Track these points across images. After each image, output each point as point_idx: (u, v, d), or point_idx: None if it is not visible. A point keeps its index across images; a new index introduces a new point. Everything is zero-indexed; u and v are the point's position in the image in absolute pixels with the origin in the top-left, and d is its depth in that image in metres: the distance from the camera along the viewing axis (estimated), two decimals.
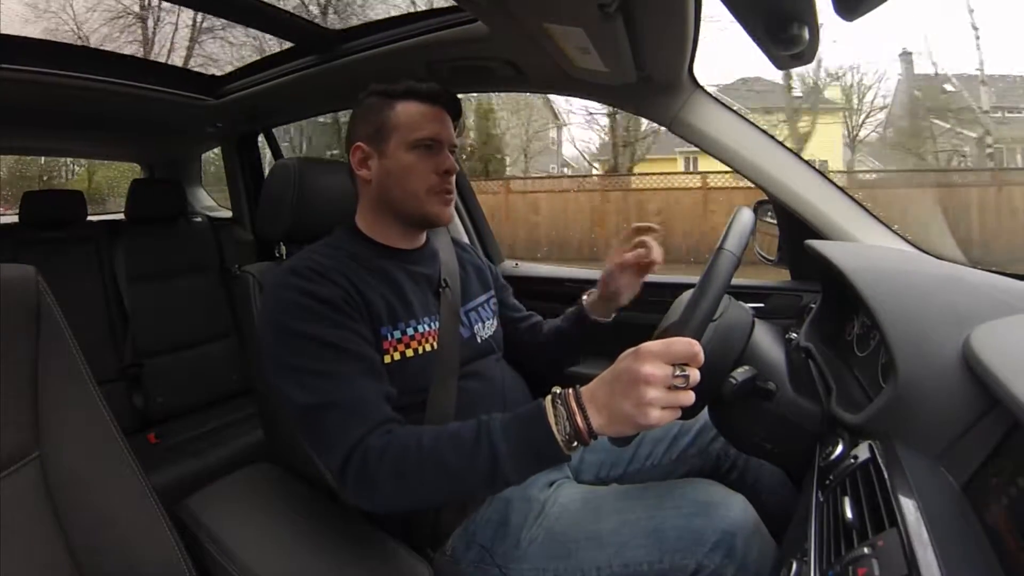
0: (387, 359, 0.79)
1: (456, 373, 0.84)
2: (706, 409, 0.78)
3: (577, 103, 11.21)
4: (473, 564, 0.77)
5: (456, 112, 0.90)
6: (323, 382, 0.71)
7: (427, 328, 0.84)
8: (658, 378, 0.56)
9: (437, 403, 0.81)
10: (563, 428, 0.60)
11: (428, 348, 0.83)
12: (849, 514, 0.49)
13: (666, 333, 0.60)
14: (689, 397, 0.57)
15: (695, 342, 0.57)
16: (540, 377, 1.03)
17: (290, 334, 0.74)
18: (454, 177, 0.87)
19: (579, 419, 0.60)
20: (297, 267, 0.78)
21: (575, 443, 0.60)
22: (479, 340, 0.92)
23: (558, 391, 0.63)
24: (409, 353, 0.81)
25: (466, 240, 1.58)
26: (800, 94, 9.47)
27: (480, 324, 0.94)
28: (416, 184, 0.85)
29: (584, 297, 1.01)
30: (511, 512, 0.79)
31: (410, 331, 0.81)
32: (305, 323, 0.74)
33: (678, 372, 0.56)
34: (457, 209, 1.63)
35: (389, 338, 0.79)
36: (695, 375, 0.57)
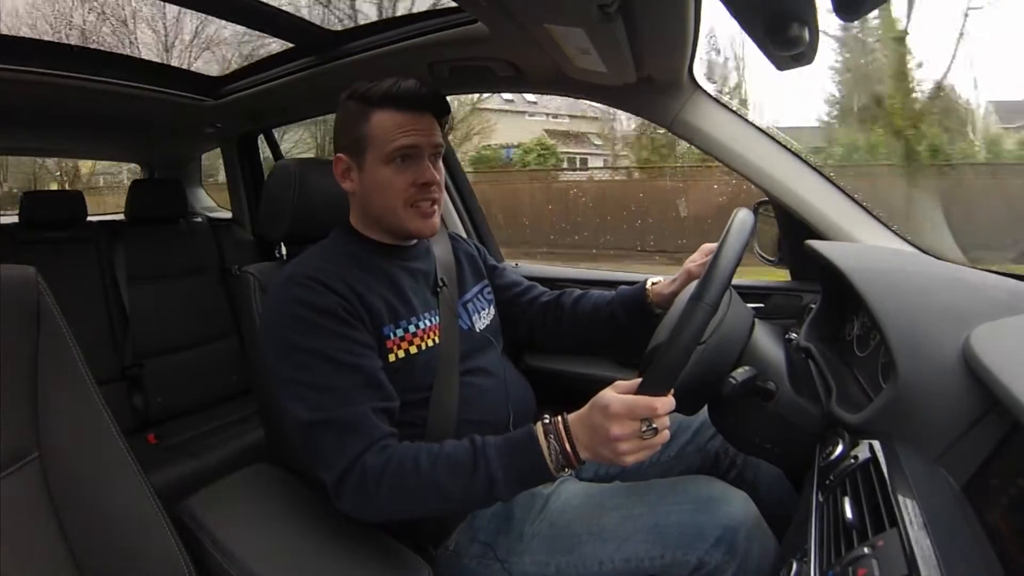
0: (391, 357, 0.79)
1: (457, 368, 0.85)
2: (706, 408, 0.78)
3: None
4: (475, 559, 0.78)
5: (441, 111, 0.85)
6: (321, 397, 0.72)
7: (428, 324, 0.84)
8: (627, 435, 0.62)
9: (440, 400, 0.81)
10: (555, 457, 0.66)
11: (431, 343, 0.83)
12: (849, 514, 0.49)
13: (644, 373, 0.64)
14: (662, 439, 0.63)
15: (657, 403, 0.61)
16: (539, 373, 1.03)
17: (289, 347, 0.75)
18: (436, 187, 0.83)
19: (569, 450, 0.65)
20: (295, 275, 0.78)
21: (566, 469, 0.66)
22: (477, 331, 0.92)
23: (547, 420, 0.68)
24: (413, 350, 0.81)
25: (463, 234, 1.57)
26: None
27: (477, 315, 0.94)
28: (393, 199, 0.82)
29: (650, 285, 0.97)
30: (514, 507, 0.80)
31: (412, 328, 0.82)
32: (304, 336, 0.74)
33: (645, 427, 0.61)
34: (456, 208, 1.63)
35: (392, 337, 0.80)
36: (664, 422, 0.63)
